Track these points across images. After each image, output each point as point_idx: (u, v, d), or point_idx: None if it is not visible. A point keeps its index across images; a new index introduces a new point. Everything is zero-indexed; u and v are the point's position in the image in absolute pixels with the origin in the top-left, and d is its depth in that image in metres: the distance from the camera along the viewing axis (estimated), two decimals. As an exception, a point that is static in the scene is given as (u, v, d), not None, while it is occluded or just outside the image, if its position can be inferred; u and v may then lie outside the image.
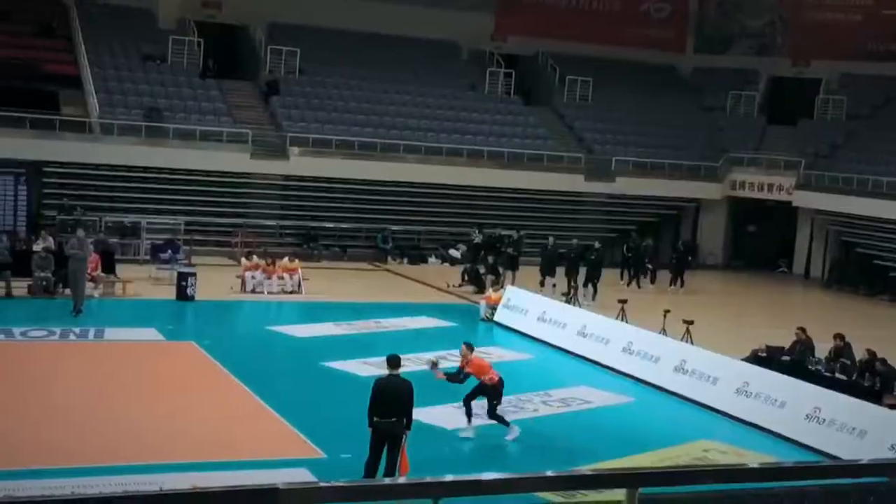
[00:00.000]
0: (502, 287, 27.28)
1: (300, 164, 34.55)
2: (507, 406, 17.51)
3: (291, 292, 27.24)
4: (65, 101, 33.55)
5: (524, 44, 44.11)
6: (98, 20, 37.11)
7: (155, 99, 34.73)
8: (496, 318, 25.29)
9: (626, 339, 21.28)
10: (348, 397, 15.58)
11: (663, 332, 22.22)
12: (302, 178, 34.86)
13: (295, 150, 34.59)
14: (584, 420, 17.58)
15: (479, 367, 15.79)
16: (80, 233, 23.90)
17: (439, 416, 16.38)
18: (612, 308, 24.74)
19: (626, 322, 23.11)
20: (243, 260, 27.79)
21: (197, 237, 31.82)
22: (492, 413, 15.76)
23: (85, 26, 36.75)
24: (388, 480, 4.17)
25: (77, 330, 21.23)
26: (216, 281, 26.85)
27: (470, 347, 15.83)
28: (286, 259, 28.23)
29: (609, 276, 30.83)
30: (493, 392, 15.72)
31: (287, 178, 35.00)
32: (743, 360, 19.89)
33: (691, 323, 22.12)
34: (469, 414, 15.80)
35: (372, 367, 17.99)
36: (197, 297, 25.14)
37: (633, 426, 17.53)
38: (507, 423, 15.97)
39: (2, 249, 24.66)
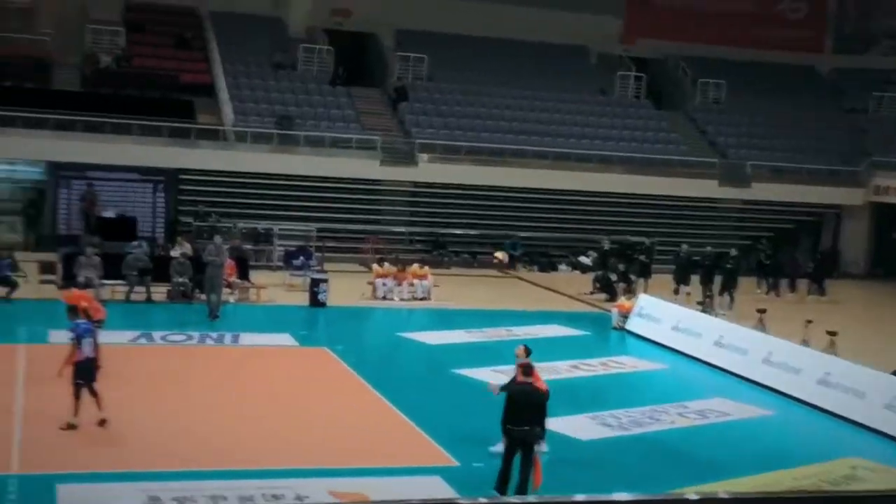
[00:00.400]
0: (634, 295, 26.76)
1: (429, 170, 34.60)
2: (641, 417, 17.12)
3: (422, 299, 27.23)
4: (200, 109, 34.31)
5: (655, 46, 43.40)
6: (231, 30, 37.90)
7: (286, 107, 35.26)
8: (628, 326, 24.80)
9: (765, 349, 20.58)
10: (480, 405, 15.39)
11: (805, 342, 21.42)
12: (431, 185, 34.92)
13: (423, 156, 34.66)
14: (721, 433, 17.01)
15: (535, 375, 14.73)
16: (218, 239, 24.31)
17: (572, 425, 16.08)
18: (750, 317, 24.00)
19: (765, 332, 22.35)
20: (375, 266, 27.88)
21: (328, 243, 32.08)
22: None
23: (219, 37, 37.60)
24: (550, 499, 3.89)
25: (214, 334, 21.59)
26: (347, 287, 27.01)
27: (527, 351, 14.92)
28: (416, 265, 28.24)
29: (746, 284, 30.01)
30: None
31: (416, 184, 35.10)
32: (892, 373, 18.98)
33: (835, 334, 21.25)
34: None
35: (503, 375, 17.71)
36: (329, 304, 25.33)
37: (773, 441, 16.90)
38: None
39: (142, 255, 25.27)
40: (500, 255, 24.48)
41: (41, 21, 36.26)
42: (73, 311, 15.35)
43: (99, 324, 16.87)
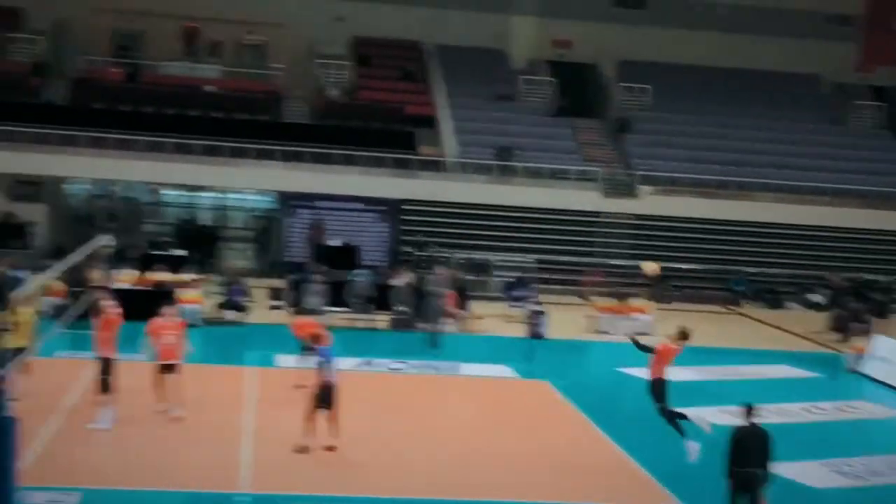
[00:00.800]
0: (870, 336, 25.26)
1: (651, 202, 34.00)
2: (881, 467, 16.01)
3: (642, 334, 26.50)
4: (422, 141, 34.89)
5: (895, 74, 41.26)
6: (454, 63, 38.45)
7: (506, 138, 35.36)
8: (864, 369, 23.39)
9: None
10: (705, 445, 14.79)
11: None
12: (652, 217, 34.20)
13: (646, 188, 34.04)
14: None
15: (665, 356, 15.49)
16: (439, 269, 24.54)
17: (803, 471, 15.19)
18: None
19: None
20: (595, 299, 27.47)
21: (548, 275, 31.88)
22: (667, 416, 15.28)
23: (442, 69, 38.21)
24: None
25: (434, 363, 21.71)
26: (566, 320, 26.73)
27: (683, 335, 15.47)
28: (636, 299, 27.64)
29: None
30: (654, 391, 15.31)
31: (637, 217, 34.45)
32: None
33: None
34: (680, 430, 15.36)
35: (729, 416, 17.03)
36: (548, 336, 25.10)
37: None
38: (681, 431, 15.30)
39: (365, 283, 25.77)
40: (647, 266, 23.53)
41: (274, 57, 37.87)
42: (317, 337, 15.66)
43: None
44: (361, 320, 25.34)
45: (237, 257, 33.64)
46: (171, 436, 15.32)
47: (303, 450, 14.57)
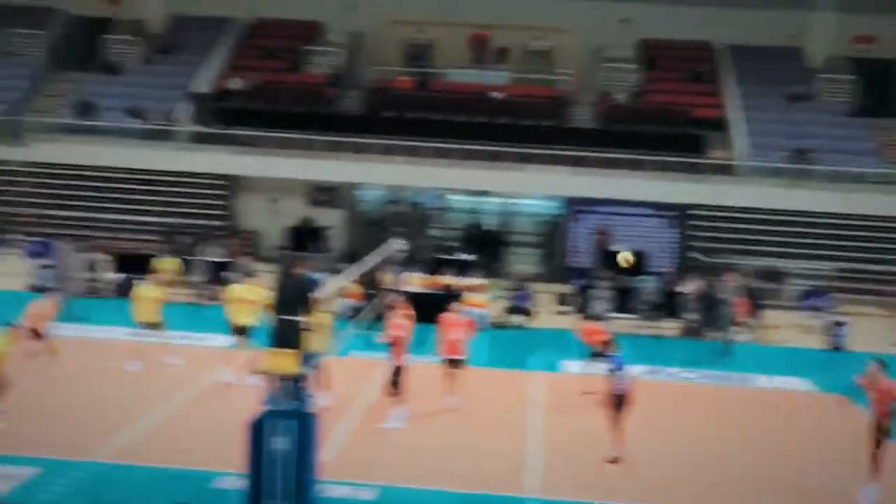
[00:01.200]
0: None
1: (964, 207, 31.34)
2: None
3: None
4: (710, 144, 33.77)
5: None
6: (745, 62, 37.05)
7: (801, 140, 33.64)
8: None
9: None
10: None
11: None
12: (966, 224, 31.55)
13: (957, 192, 31.50)
14: None
15: (887, 394, 13.77)
16: (728, 276, 23.65)
17: None
18: None
19: None
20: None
21: (849, 283, 30.03)
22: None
23: (733, 69, 36.91)
24: None
25: (726, 374, 20.92)
26: (870, 332, 25.03)
27: (881, 367, 13.81)
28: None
29: None
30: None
31: (950, 222, 31.87)
32: None
33: None
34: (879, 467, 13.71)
35: None
36: (849, 348, 23.59)
37: None
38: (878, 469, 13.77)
39: (653, 290, 25.19)
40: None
41: (560, 61, 37.84)
42: (609, 344, 15.38)
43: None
44: (648, 327, 24.80)
45: (523, 262, 33.79)
46: (460, 437, 15.46)
47: (615, 461, 14.32)
